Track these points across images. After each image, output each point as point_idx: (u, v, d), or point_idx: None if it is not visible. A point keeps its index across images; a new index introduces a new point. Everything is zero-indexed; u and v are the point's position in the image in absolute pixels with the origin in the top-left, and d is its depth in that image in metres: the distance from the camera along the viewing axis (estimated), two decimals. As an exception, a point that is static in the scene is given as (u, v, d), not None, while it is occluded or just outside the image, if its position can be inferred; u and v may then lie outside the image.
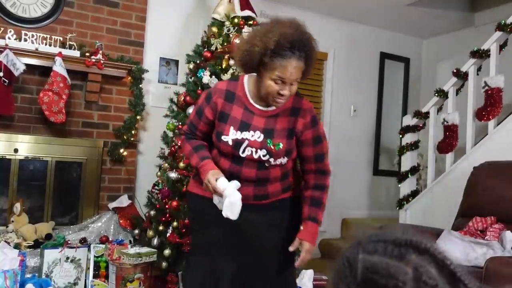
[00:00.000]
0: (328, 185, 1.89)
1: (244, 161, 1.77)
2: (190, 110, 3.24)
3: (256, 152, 1.75)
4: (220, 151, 1.81)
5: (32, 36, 3.45)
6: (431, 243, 0.75)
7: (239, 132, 1.76)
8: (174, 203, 3.07)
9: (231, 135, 1.76)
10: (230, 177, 1.72)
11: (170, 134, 3.42)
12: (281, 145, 1.76)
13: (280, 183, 1.84)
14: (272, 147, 1.75)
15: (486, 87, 3.47)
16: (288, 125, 1.79)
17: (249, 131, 1.76)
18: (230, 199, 1.62)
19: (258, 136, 1.76)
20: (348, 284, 0.74)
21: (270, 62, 1.64)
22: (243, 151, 1.76)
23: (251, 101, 1.79)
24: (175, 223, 3.03)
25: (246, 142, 1.75)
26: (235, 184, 1.66)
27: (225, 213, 1.63)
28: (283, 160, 1.80)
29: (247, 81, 1.81)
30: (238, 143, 1.76)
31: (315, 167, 1.86)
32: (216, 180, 1.66)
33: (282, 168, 1.83)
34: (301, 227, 1.81)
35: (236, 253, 1.81)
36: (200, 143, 1.86)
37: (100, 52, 3.64)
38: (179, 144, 3.26)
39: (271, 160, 1.77)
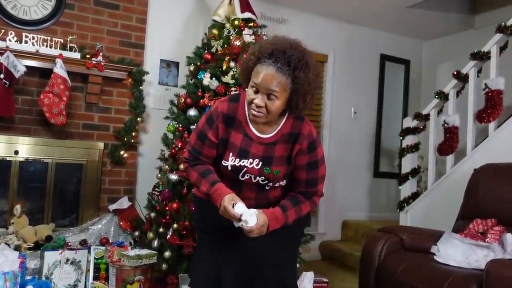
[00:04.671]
0: (315, 202, 1.83)
1: (244, 184, 1.78)
2: (191, 112, 3.24)
3: (255, 178, 1.77)
4: (221, 171, 1.81)
5: (33, 38, 3.45)
6: None
7: (237, 159, 1.75)
8: (175, 205, 3.07)
9: (230, 161, 1.76)
10: None
11: (171, 136, 3.42)
12: (279, 172, 1.76)
13: (281, 199, 1.85)
14: (270, 174, 1.76)
15: (487, 89, 3.47)
16: (286, 152, 1.76)
17: (247, 159, 1.75)
18: (244, 224, 1.62)
19: (256, 164, 1.75)
20: None
21: (254, 69, 1.65)
22: (242, 176, 1.77)
23: (251, 126, 1.75)
24: (175, 225, 3.03)
25: (245, 169, 1.76)
26: (253, 210, 1.65)
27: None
28: (282, 182, 1.81)
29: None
30: (236, 169, 1.77)
31: (305, 189, 1.81)
32: (233, 206, 1.64)
33: (283, 188, 1.84)
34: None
35: (238, 254, 1.81)
36: (206, 168, 1.80)
37: (101, 54, 3.64)
38: (179, 146, 3.27)
39: (270, 184, 1.78)
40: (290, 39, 1.69)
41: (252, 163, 1.75)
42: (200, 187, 1.77)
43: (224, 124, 1.75)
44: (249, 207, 1.71)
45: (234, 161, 1.76)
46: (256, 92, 1.63)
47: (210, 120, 1.77)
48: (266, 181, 1.77)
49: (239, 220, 1.63)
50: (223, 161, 1.78)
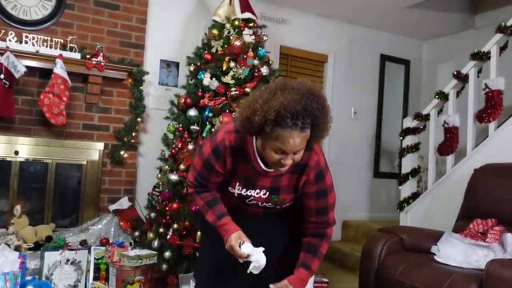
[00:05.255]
0: (330, 235, 1.79)
1: (251, 205, 1.79)
2: (191, 112, 3.24)
3: (262, 203, 1.77)
4: (227, 194, 1.80)
5: (33, 38, 3.45)
6: None
7: (244, 189, 1.74)
8: (175, 205, 3.07)
9: (236, 190, 1.75)
10: (237, 211, 1.75)
11: (171, 136, 3.42)
12: (286, 199, 1.76)
13: (288, 209, 1.86)
14: (277, 202, 1.75)
15: (487, 89, 3.46)
16: (292, 181, 1.73)
17: (254, 189, 1.73)
18: (256, 264, 1.63)
19: (263, 193, 1.74)
20: None
21: (270, 132, 1.50)
22: (249, 201, 1.78)
23: (259, 160, 1.66)
24: (175, 225, 3.03)
25: (252, 197, 1.76)
26: (260, 249, 1.66)
27: (249, 271, 1.66)
28: (289, 204, 1.81)
29: (255, 136, 1.66)
30: (243, 197, 1.76)
31: (316, 219, 1.77)
32: (240, 245, 1.65)
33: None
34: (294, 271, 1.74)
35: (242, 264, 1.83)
36: (212, 196, 1.79)
37: (101, 54, 3.65)
38: (179, 146, 3.27)
39: (277, 207, 1.79)
40: (303, 88, 1.50)
41: (259, 193, 1.74)
42: (206, 216, 1.77)
43: (232, 157, 1.69)
44: (257, 219, 1.72)
45: (241, 190, 1.75)
46: (283, 153, 1.55)
47: (217, 152, 1.70)
48: (273, 206, 1.78)
49: (246, 258, 1.64)
50: (230, 187, 1.76)
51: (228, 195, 1.80)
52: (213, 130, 3.17)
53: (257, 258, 1.63)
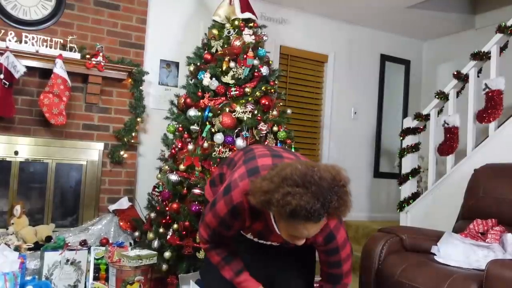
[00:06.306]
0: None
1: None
2: (191, 112, 3.24)
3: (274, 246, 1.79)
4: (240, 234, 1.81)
5: (33, 38, 3.45)
6: None
7: (256, 238, 1.76)
8: (175, 205, 3.07)
9: (248, 236, 1.77)
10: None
11: (171, 136, 3.42)
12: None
13: None
14: (288, 246, 1.76)
15: (487, 89, 3.46)
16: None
17: (266, 241, 1.75)
18: None
19: (275, 243, 1.75)
20: None
21: (285, 220, 1.44)
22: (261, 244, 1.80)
23: (273, 222, 1.58)
24: (175, 225, 3.03)
25: (263, 244, 1.78)
26: None
27: None
28: None
29: None
30: (255, 241, 1.79)
31: (328, 271, 1.74)
32: None
33: None
34: None
35: (255, 258, 1.85)
36: (228, 251, 1.76)
37: (101, 54, 3.64)
38: (179, 146, 3.27)
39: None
40: (322, 182, 1.42)
41: (271, 243, 1.76)
42: (223, 272, 1.76)
43: (250, 217, 1.64)
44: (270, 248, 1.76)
45: (253, 239, 1.76)
46: (297, 238, 1.52)
47: (234, 213, 1.63)
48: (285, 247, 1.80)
49: None
50: (242, 232, 1.77)
51: (240, 235, 1.80)
52: (213, 130, 3.17)
53: None
